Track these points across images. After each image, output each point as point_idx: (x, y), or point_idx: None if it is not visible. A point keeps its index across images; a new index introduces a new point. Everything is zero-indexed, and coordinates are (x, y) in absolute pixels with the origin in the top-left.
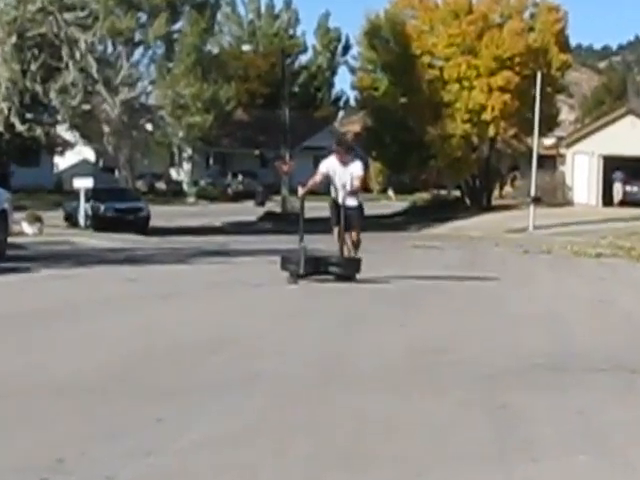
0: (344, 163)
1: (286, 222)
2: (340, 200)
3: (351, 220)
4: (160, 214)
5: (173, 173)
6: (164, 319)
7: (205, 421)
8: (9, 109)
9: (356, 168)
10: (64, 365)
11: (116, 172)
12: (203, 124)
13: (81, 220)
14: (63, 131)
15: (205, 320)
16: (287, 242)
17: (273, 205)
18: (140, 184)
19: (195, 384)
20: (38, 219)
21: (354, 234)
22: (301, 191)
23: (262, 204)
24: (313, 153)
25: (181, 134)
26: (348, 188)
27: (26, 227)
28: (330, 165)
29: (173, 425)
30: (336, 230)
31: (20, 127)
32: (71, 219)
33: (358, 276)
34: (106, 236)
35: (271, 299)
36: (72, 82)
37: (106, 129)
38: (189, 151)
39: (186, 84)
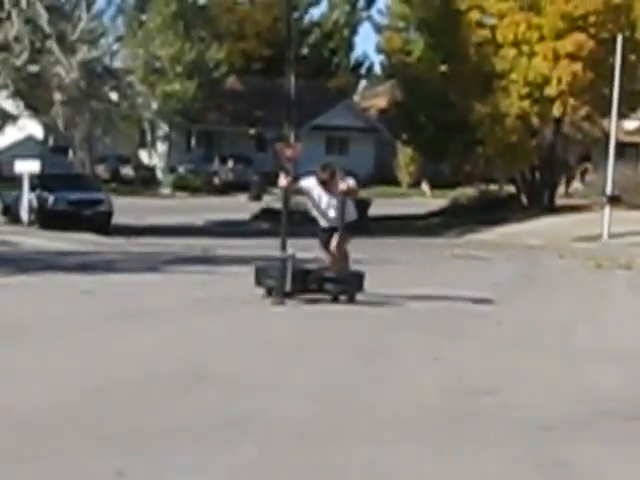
0: (330, 191)
1: (289, 222)
2: (332, 223)
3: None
4: (126, 208)
5: (144, 156)
6: (127, 345)
7: (175, 477)
8: None
9: (349, 181)
10: None
11: (70, 153)
12: (184, 94)
13: (24, 214)
14: (2, 99)
15: (179, 347)
16: (289, 247)
17: (272, 200)
18: (101, 169)
19: (164, 429)
20: None
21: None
22: (284, 180)
23: (258, 198)
24: (325, 134)
25: (155, 106)
26: (336, 211)
27: None
28: (313, 187)
29: None
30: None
31: None
32: (11, 213)
33: (375, 295)
34: (56, 235)
35: (265, 322)
36: (16, 37)
37: (58, 98)
38: (165, 128)
39: (163, 42)
